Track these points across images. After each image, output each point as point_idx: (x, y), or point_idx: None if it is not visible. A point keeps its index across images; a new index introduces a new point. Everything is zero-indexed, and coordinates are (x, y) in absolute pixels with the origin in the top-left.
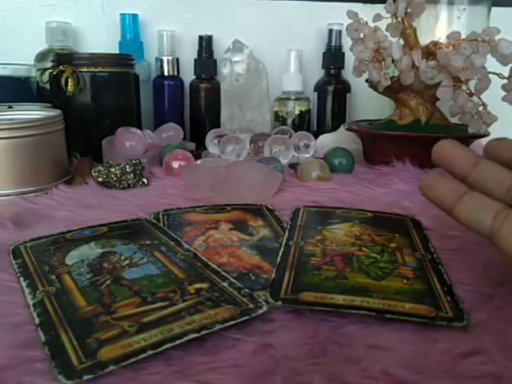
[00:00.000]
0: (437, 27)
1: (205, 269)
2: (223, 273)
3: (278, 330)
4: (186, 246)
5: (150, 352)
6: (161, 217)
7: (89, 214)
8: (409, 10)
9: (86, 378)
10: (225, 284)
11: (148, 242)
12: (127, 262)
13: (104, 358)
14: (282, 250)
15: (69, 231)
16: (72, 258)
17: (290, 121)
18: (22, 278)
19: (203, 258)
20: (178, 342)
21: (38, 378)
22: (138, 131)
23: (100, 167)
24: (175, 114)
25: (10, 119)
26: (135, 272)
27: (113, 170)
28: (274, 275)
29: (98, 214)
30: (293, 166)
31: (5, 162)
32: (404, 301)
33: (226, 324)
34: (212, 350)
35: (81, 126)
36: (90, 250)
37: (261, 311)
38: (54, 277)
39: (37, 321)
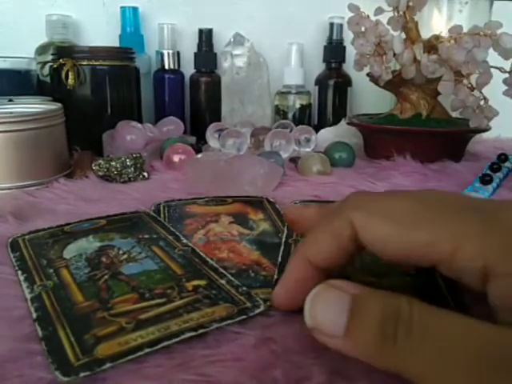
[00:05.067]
0: (438, 21)
1: (203, 265)
2: (221, 270)
3: (278, 324)
4: (185, 240)
5: (147, 350)
6: (161, 208)
7: (89, 208)
8: (410, 4)
9: (82, 374)
10: (223, 281)
11: (146, 236)
12: (125, 256)
13: (101, 354)
14: (282, 248)
15: (67, 224)
16: (70, 251)
17: (290, 115)
18: (19, 272)
19: (201, 253)
20: (174, 340)
21: (39, 372)
22: (139, 125)
23: (100, 161)
24: (176, 108)
25: (11, 112)
26: (133, 267)
27: (113, 163)
28: (276, 276)
29: (98, 208)
30: (293, 160)
31: (5, 155)
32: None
33: (224, 323)
34: (213, 344)
35: (81, 119)
36: (89, 244)
37: (258, 310)
38: (51, 271)
39: (34, 315)
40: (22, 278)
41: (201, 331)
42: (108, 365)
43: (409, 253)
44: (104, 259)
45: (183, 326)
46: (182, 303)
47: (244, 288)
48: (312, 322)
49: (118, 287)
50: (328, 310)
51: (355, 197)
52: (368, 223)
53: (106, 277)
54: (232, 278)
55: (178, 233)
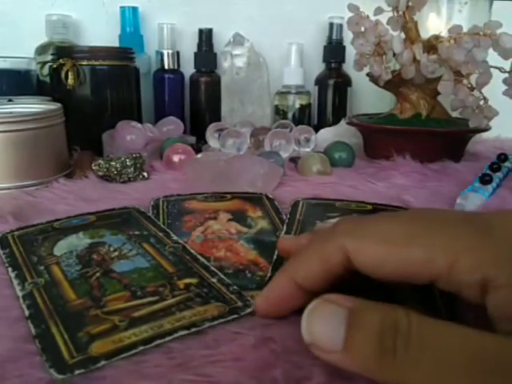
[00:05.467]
0: (438, 21)
1: (194, 262)
2: (212, 268)
3: (277, 324)
4: (175, 237)
5: (141, 348)
6: (160, 203)
7: (89, 208)
8: (410, 4)
9: (77, 372)
10: (214, 280)
11: (137, 233)
12: (116, 253)
13: (95, 352)
14: None
15: (57, 220)
16: (60, 248)
17: (290, 115)
18: (10, 269)
19: (192, 250)
20: (167, 338)
21: (38, 372)
22: (139, 125)
23: (100, 161)
24: (175, 108)
25: (10, 112)
26: (125, 264)
27: (113, 163)
28: (269, 274)
29: (98, 208)
30: (293, 160)
31: (5, 155)
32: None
33: (216, 322)
34: (212, 344)
35: (81, 119)
36: (79, 241)
37: (249, 310)
38: (42, 268)
39: (26, 313)
40: (12, 274)
41: (193, 330)
42: (103, 362)
43: (407, 270)
44: (95, 256)
45: (176, 324)
46: (174, 301)
47: (235, 287)
48: (310, 338)
49: (110, 285)
50: (325, 325)
51: (345, 224)
52: (362, 247)
53: (97, 274)
54: (223, 277)
55: (168, 229)
